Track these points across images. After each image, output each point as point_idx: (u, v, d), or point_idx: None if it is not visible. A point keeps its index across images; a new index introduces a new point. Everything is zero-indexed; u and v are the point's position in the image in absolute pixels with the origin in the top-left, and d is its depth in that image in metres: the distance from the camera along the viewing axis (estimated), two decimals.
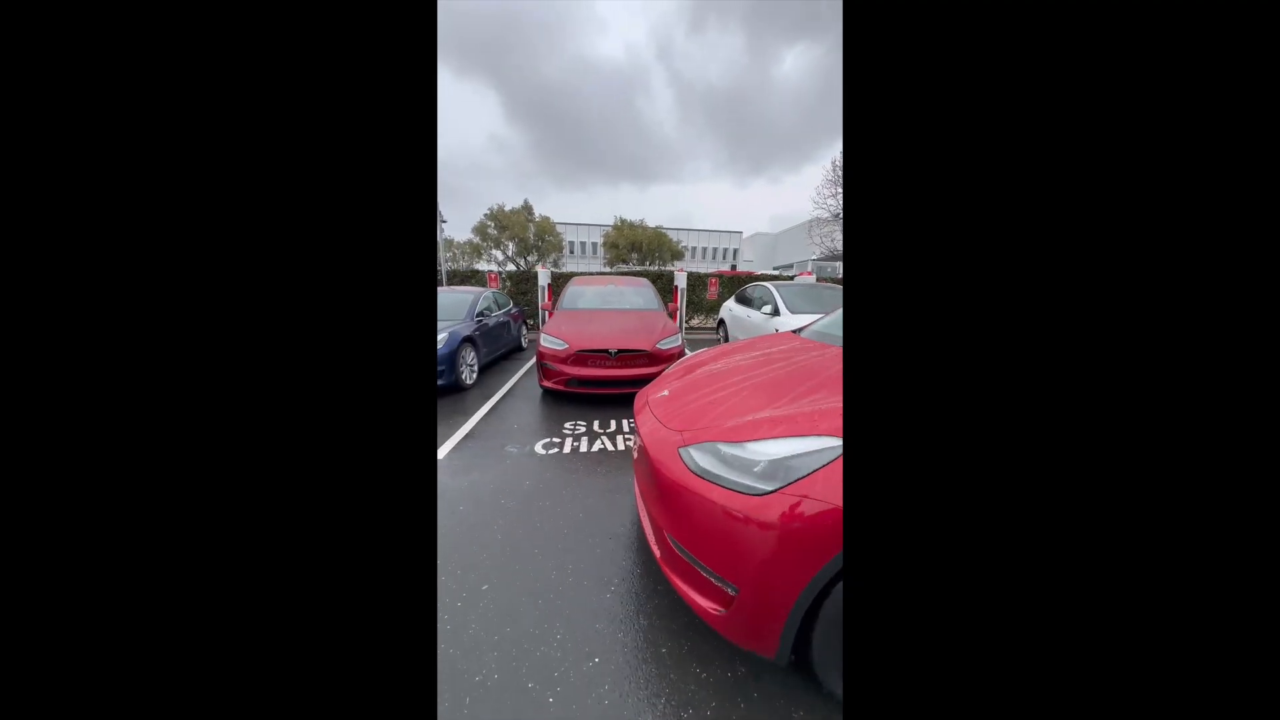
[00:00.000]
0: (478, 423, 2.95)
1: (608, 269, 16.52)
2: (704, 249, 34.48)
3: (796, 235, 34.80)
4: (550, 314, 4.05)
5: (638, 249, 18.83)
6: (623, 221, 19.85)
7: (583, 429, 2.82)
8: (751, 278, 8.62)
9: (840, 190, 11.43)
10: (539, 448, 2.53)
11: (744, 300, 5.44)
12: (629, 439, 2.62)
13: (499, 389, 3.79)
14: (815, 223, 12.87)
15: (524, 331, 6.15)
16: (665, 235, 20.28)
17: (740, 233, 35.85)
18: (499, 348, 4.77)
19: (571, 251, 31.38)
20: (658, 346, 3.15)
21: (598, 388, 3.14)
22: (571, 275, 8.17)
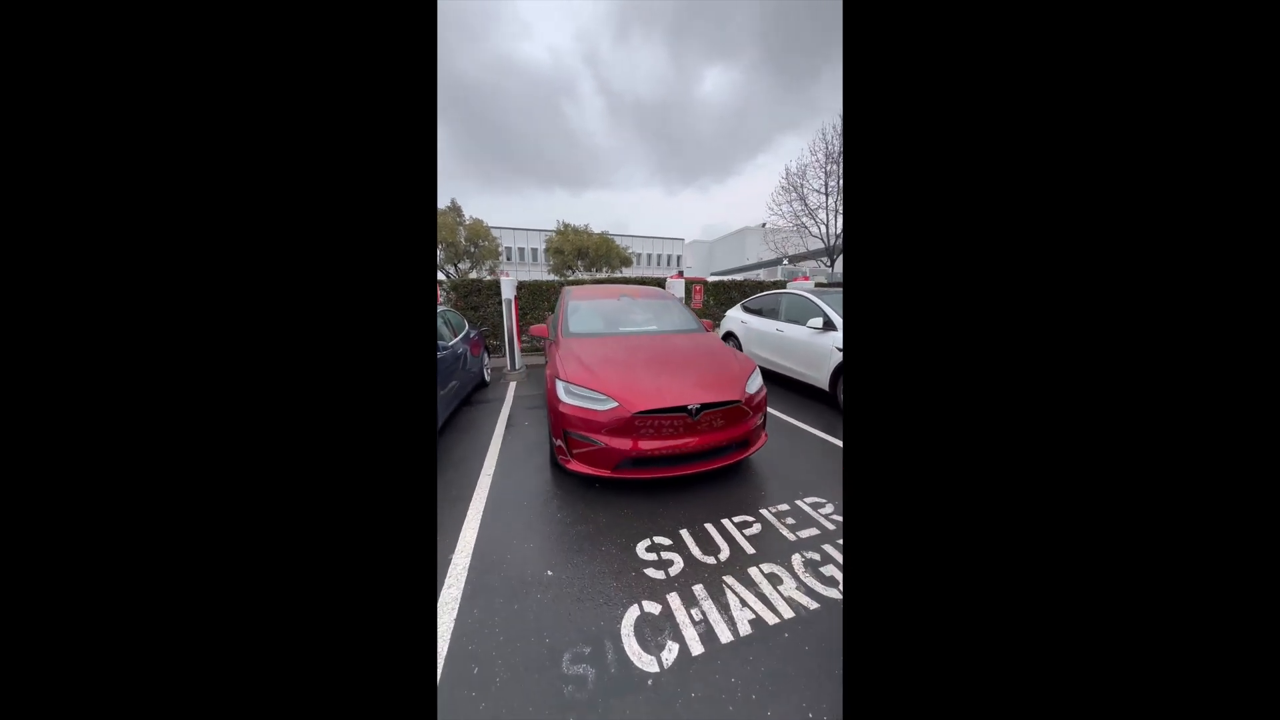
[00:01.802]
0: (466, 596, 1.38)
1: (555, 277, 15.04)
2: (648, 255, 34.28)
3: (731, 243, 36.50)
4: (553, 347, 2.69)
5: (584, 254, 17.66)
6: (566, 226, 18.49)
7: (679, 565, 1.50)
8: (764, 284, 7.99)
9: (794, 198, 11.66)
10: (634, 648, 1.17)
11: (758, 311, 4.67)
12: (785, 585, 1.46)
13: (478, 477, 2.35)
14: (769, 230, 13.10)
15: (486, 361, 4.60)
16: (613, 241, 19.39)
17: (683, 239, 36.46)
18: (459, 393, 3.24)
19: (509, 258, 28.75)
20: (747, 392, 2.03)
21: (671, 468, 1.91)
22: (544, 284, 6.57)
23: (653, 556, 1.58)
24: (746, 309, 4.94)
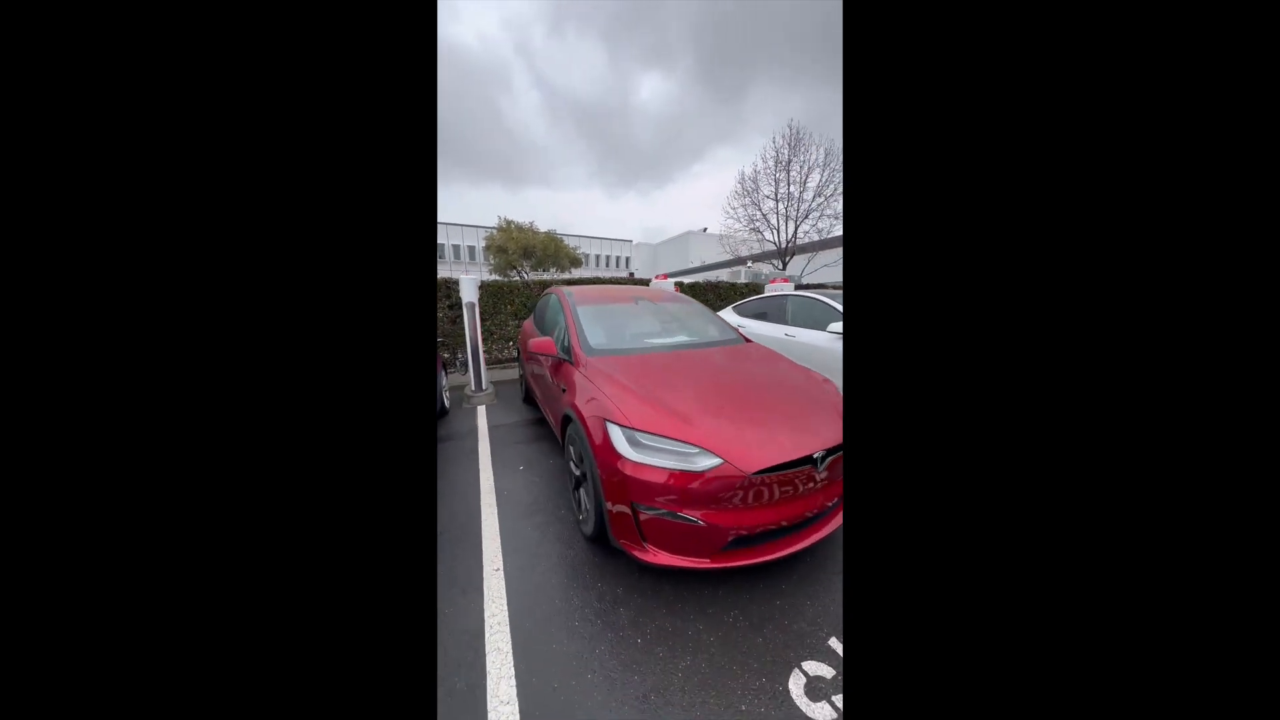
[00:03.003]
0: None
1: (498, 278, 13.65)
2: (596, 255, 33.34)
3: (675, 246, 37.24)
4: (564, 369, 1.95)
5: (530, 254, 16.41)
6: (509, 223, 17.10)
7: None
8: (738, 287, 7.68)
9: (749, 202, 11.92)
10: None
11: (759, 315, 4.37)
12: None
13: (482, 573, 1.56)
14: (723, 236, 13.31)
15: (444, 382, 3.58)
16: (561, 240, 18.42)
17: (631, 241, 36.13)
18: None
19: (443, 256, 25.76)
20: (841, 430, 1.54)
21: (785, 542, 1.32)
22: (507, 285, 5.42)
23: (821, 708, 1.01)
24: (742, 313, 4.61)
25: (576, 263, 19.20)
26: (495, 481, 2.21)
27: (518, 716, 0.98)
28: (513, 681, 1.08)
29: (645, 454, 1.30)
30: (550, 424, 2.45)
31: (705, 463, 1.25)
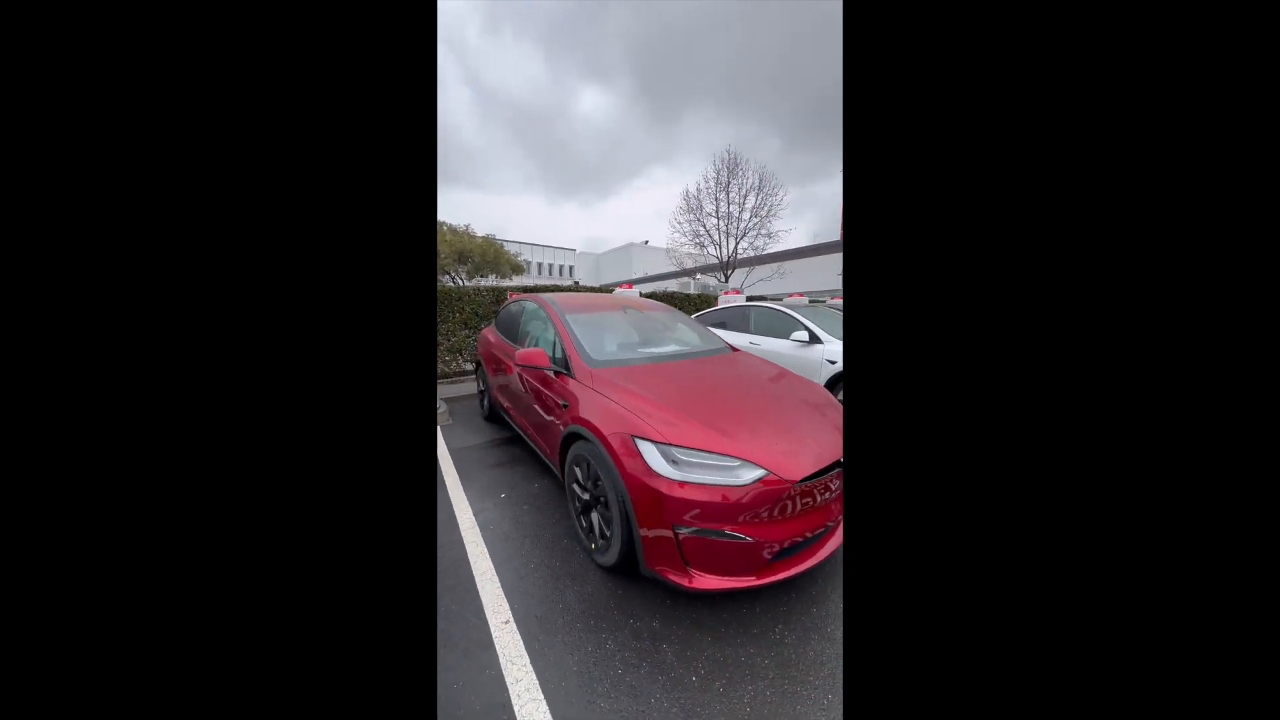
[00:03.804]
0: None
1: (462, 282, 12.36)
2: (539, 264, 32.10)
3: (617, 257, 37.64)
4: (561, 383, 1.77)
5: (466, 259, 15.28)
6: (442, 225, 15.79)
7: None
8: (694, 298, 7.82)
9: (694, 218, 12.53)
10: None
11: (720, 324, 4.56)
12: None
13: (495, 653, 1.30)
14: (670, 249, 13.79)
15: None
16: (501, 246, 17.49)
17: (575, 250, 35.50)
18: None
19: None
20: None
21: (816, 550, 1.31)
22: (453, 291, 4.83)
23: None
24: (703, 322, 4.77)
25: (518, 270, 18.30)
26: (475, 516, 1.92)
27: None
28: None
29: (686, 471, 1.22)
30: (532, 442, 2.22)
31: (749, 475, 1.21)
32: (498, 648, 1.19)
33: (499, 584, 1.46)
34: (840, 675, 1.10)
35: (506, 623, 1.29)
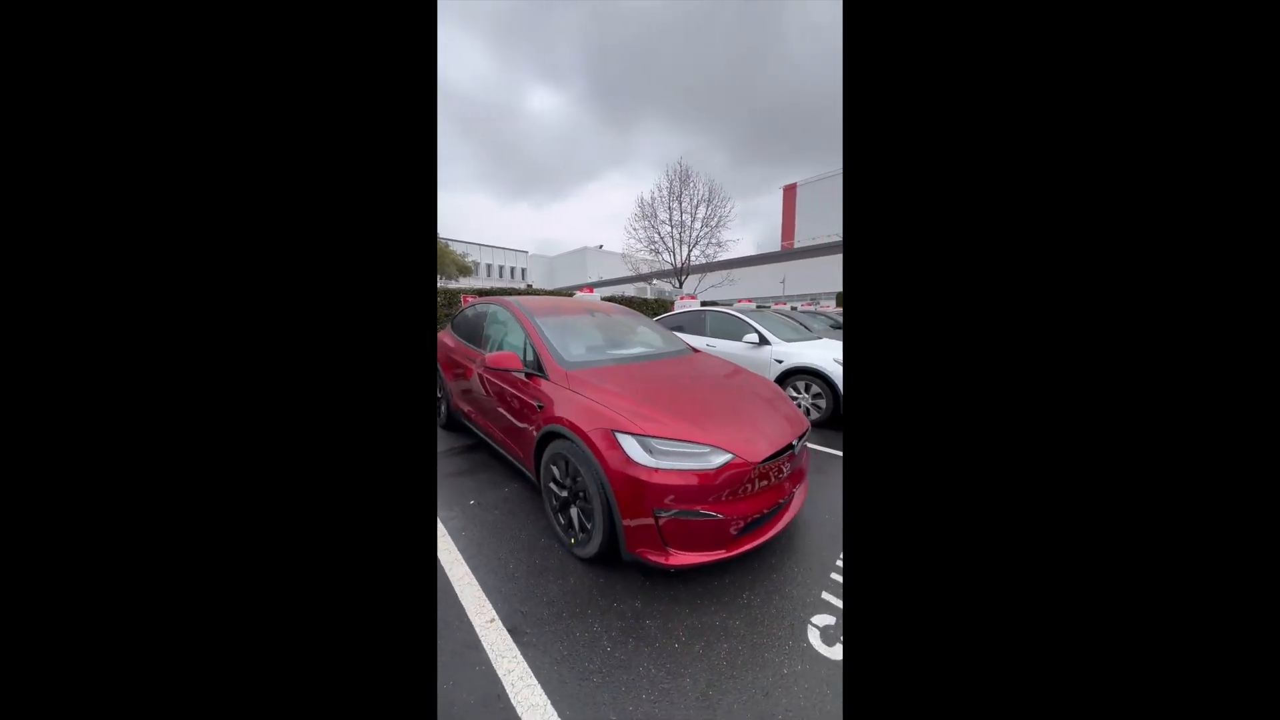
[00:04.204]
0: None
1: None
2: (489, 265, 30.49)
3: (571, 261, 37.11)
4: (535, 385, 1.81)
5: None
6: None
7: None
8: (652, 303, 7.94)
9: (648, 225, 12.87)
10: None
11: (678, 328, 4.78)
12: None
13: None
14: (625, 255, 14.00)
15: None
16: (446, 245, 16.46)
17: (527, 252, 34.25)
18: None
19: None
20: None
21: (774, 523, 1.51)
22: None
23: (836, 650, 1.20)
24: (665, 326, 4.97)
25: (465, 271, 17.32)
26: (444, 524, 1.87)
27: None
28: None
29: (664, 459, 1.34)
30: (500, 446, 2.21)
31: (718, 459, 1.36)
32: (485, 645, 1.21)
33: (478, 586, 1.46)
34: (801, 627, 1.28)
35: (491, 621, 1.30)
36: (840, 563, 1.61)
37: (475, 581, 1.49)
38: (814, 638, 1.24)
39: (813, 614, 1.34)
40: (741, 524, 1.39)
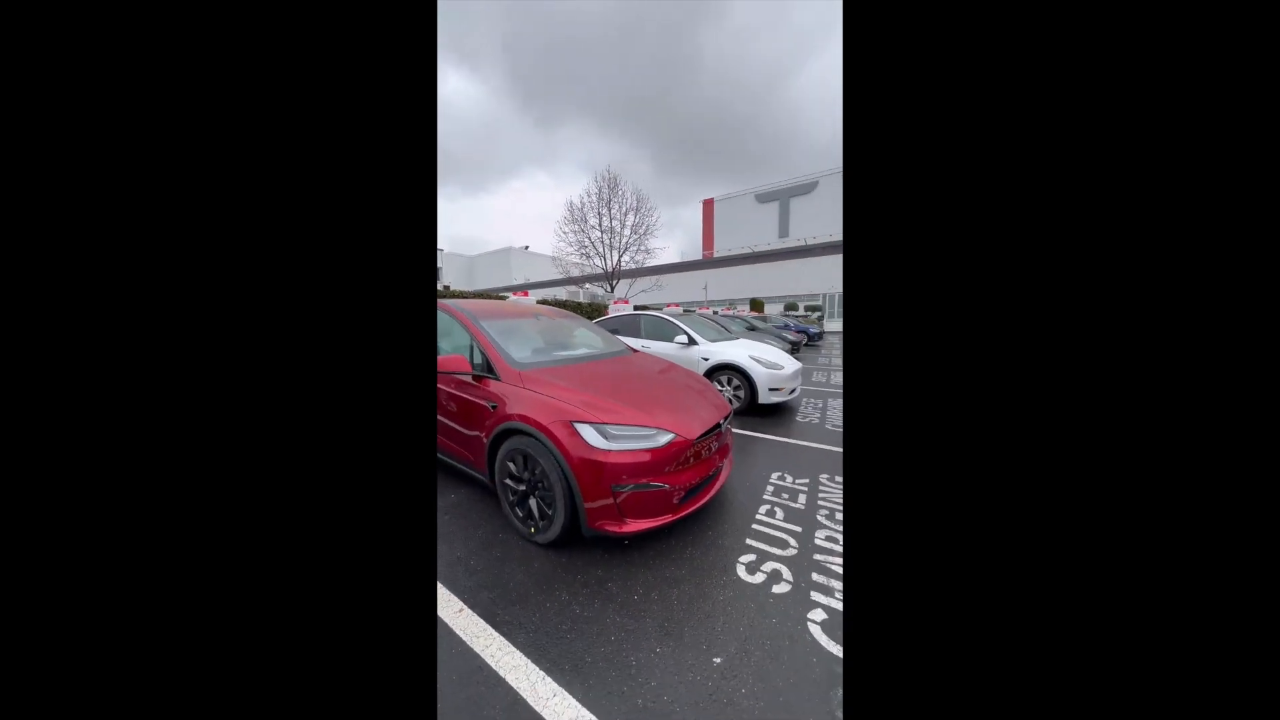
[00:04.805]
0: None
1: None
2: None
3: (494, 261, 34.88)
4: (486, 385, 1.88)
5: None
6: None
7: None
8: (586, 306, 7.85)
9: (578, 229, 12.87)
10: None
11: (615, 331, 5.03)
12: None
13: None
14: (556, 258, 13.78)
15: None
16: None
17: (442, 249, 31.08)
18: None
19: None
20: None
21: (708, 490, 1.84)
22: None
23: (758, 576, 1.55)
24: (604, 328, 5.17)
25: None
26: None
27: (574, 701, 1.05)
28: (549, 682, 1.10)
29: (618, 443, 1.55)
30: (444, 451, 2.18)
31: (663, 439, 1.62)
32: (458, 631, 1.27)
33: (441, 586, 1.49)
34: (732, 566, 1.60)
35: (460, 611, 1.36)
36: (761, 515, 2.00)
37: (439, 583, 1.51)
38: (741, 571, 1.58)
39: (739, 556, 1.68)
40: (682, 492, 1.67)
